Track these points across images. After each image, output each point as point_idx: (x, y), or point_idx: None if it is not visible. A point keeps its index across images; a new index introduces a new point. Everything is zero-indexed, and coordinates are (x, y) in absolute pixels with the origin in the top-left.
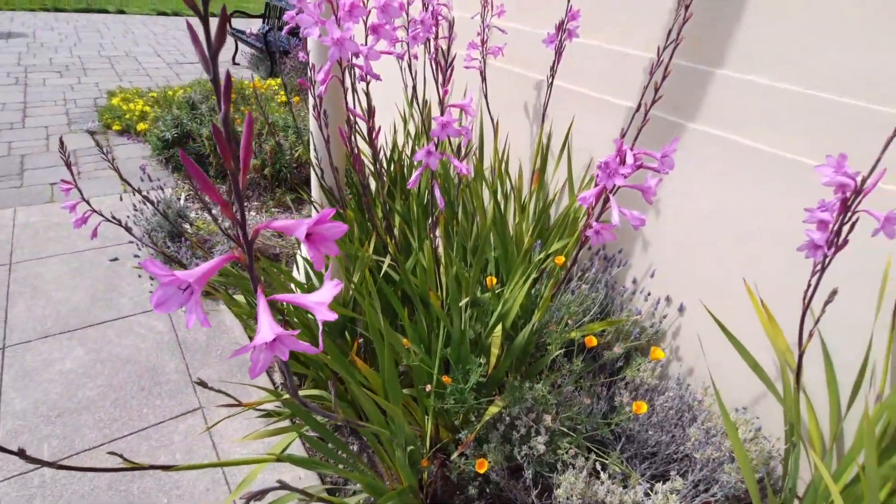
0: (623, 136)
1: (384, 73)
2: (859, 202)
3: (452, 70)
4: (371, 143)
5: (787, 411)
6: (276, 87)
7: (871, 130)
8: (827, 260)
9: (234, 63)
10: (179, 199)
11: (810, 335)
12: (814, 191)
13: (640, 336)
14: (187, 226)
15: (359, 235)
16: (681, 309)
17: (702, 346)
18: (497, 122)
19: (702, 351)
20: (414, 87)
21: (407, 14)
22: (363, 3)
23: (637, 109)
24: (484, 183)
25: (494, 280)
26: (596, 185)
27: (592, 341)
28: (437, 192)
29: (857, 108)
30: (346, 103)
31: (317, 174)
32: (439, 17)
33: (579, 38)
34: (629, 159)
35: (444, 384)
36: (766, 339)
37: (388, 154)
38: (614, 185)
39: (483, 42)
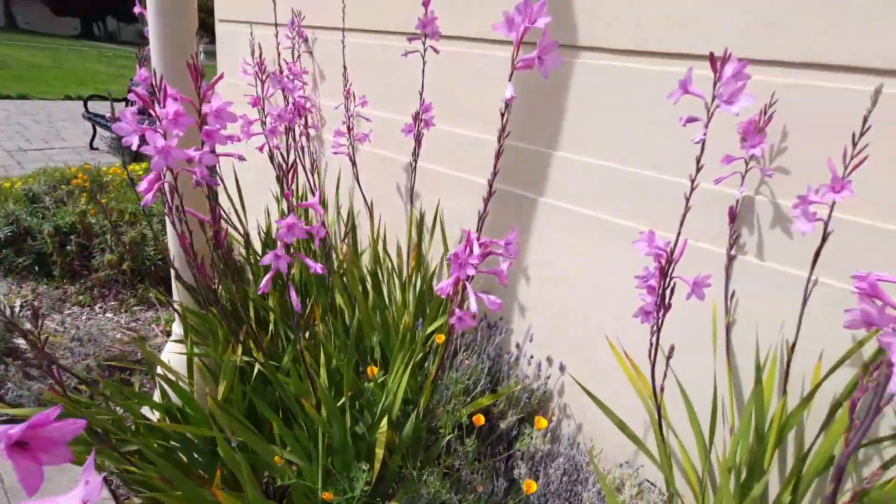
0: (483, 214)
1: (257, 156)
2: (673, 269)
3: (296, 171)
4: (217, 245)
5: (661, 465)
6: (142, 172)
7: (678, 198)
8: (660, 321)
9: (93, 148)
10: (14, 306)
11: (662, 389)
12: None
13: (531, 399)
14: (21, 340)
15: (224, 336)
16: (561, 368)
17: (586, 404)
18: (372, 204)
19: (587, 408)
20: (279, 177)
21: (263, 106)
22: (197, 107)
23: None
24: (363, 266)
25: (376, 369)
26: (450, 275)
27: (481, 420)
28: (294, 296)
29: (661, 181)
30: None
31: (174, 271)
32: (302, 109)
33: (436, 125)
34: (476, 250)
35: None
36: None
37: (263, 240)
38: (467, 275)
39: (349, 129)
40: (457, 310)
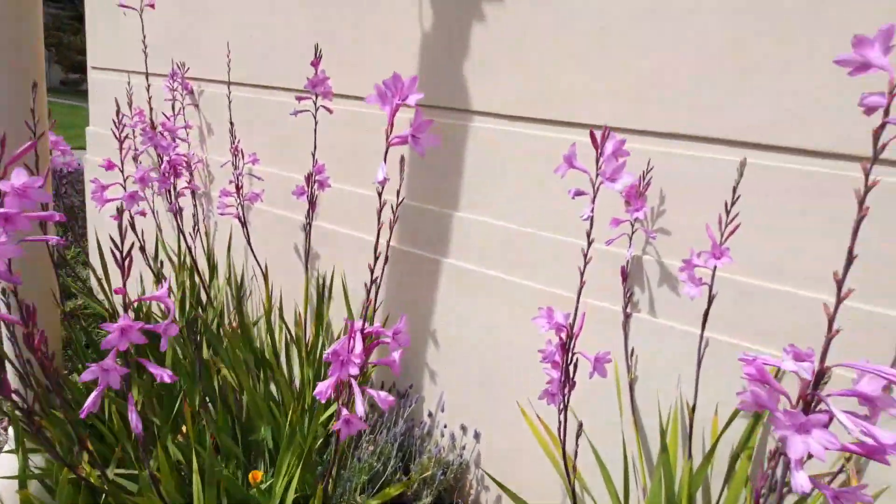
0: (370, 286)
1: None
2: (574, 345)
3: (131, 261)
4: (32, 350)
5: None
6: None
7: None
8: (566, 399)
9: None
10: None
11: (575, 454)
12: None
13: (447, 474)
14: None
15: (66, 447)
16: (476, 436)
17: (505, 471)
18: (266, 268)
19: (505, 477)
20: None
21: (135, 159)
22: None
23: (386, 246)
24: (255, 339)
25: (259, 475)
26: (329, 374)
27: None
28: (133, 417)
29: (560, 241)
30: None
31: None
32: (178, 167)
33: (332, 187)
34: (359, 346)
35: None
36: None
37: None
38: (350, 374)
39: (238, 188)
40: (343, 411)
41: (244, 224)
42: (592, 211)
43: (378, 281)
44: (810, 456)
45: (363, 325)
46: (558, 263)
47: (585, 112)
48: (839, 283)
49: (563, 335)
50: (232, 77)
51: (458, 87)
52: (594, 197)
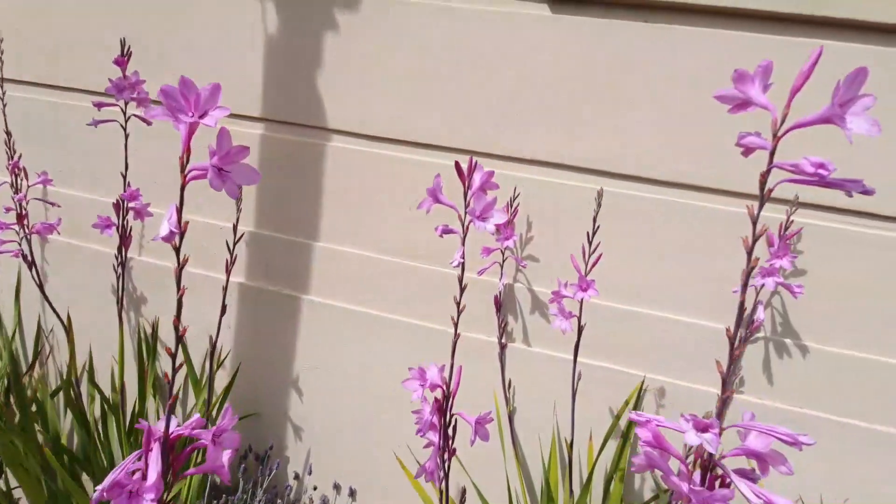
0: (215, 341)
1: None
2: (452, 405)
3: None
4: None
5: None
6: None
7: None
8: (447, 466)
9: None
10: None
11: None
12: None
13: None
14: None
15: None
16: (352, 494)
17: None
18: (69, 320)
19: None
20: None
21: None
22: None
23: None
24: (54, 413)
25: None
26: None
27: None
28: None
29: (432, 272)
30: None
31: None
32: None
33: (153, 215)
34: (153, 474)
35: None
36: None
37: None
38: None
39: (21, 217)
40: None
41: (31, 264)
42: (463, 256)
43: (222, 313)
44: None
45: (166, 429)
46: (433, 296)
47: (448, 134)
48: (731, 339)
49: (440, 394)
50: (13, 74)
51: (314, 100)
52: (464, 237)
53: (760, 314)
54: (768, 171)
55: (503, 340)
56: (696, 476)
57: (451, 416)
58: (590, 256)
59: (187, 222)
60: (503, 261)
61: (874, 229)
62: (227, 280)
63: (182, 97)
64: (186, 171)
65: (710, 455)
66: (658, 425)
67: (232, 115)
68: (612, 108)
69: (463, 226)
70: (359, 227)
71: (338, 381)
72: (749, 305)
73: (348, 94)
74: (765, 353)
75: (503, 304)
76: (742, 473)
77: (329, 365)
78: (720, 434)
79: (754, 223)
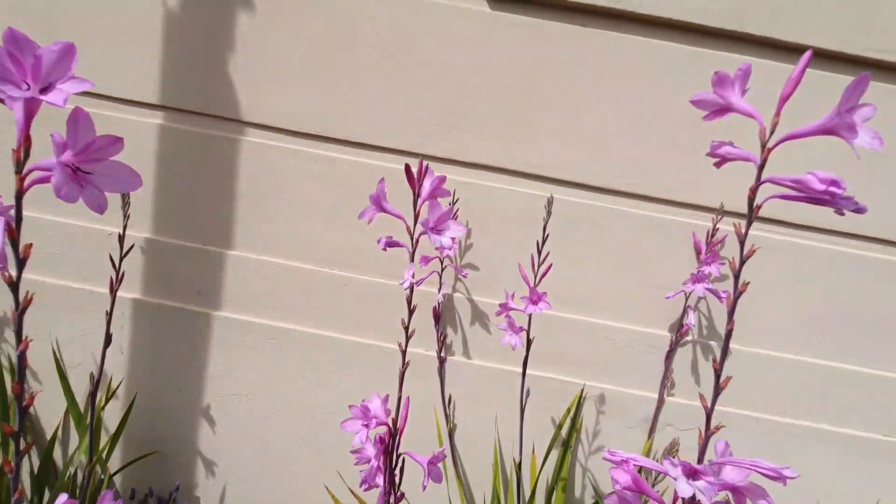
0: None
1: None
2: (399, 444)
3: None
4: None
5: None
6: None
7: (384, 300)
8: None
9: None
10: None
11: None
12: (364, 370)
13: None
14: None
15: None
16: None
17: None
18: None
19: None
20: None
21: None
22: None
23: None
24: None
25: None
26: None
27: None
28: None
29: (364, 282)
30: None
31: None
32: None
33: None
34: None
35: None
36: None
37: None
38: None
39: None
40: None
41: None
42: (414, 277)
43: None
44: None
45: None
46: (367, 309)
47: (384, 133)
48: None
49: (386, 437)
50: None
51: (227, 88)
52: (413, 252)
53: (691, 319)
54: (758, 186)
55: (442, 354)
56: None
57: (399, 455)
58: (539, 266)
59: (29, 245)
60: (442, 270)
61: (790, 237)
62: (113, 296)
63: (11, 60)
64: (25, 172)
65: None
66: (636, 464)
67: (122, 101)
68: (553, 113)
69: (412, 238)
70: (280, 233)
71: (258, 407)
72: (681, 310)
73: (269, 84)
74: (693, 355)
75: (442, 316)
76: None
77: (247, 390)
78: (713, 482)
79: (742, 242)
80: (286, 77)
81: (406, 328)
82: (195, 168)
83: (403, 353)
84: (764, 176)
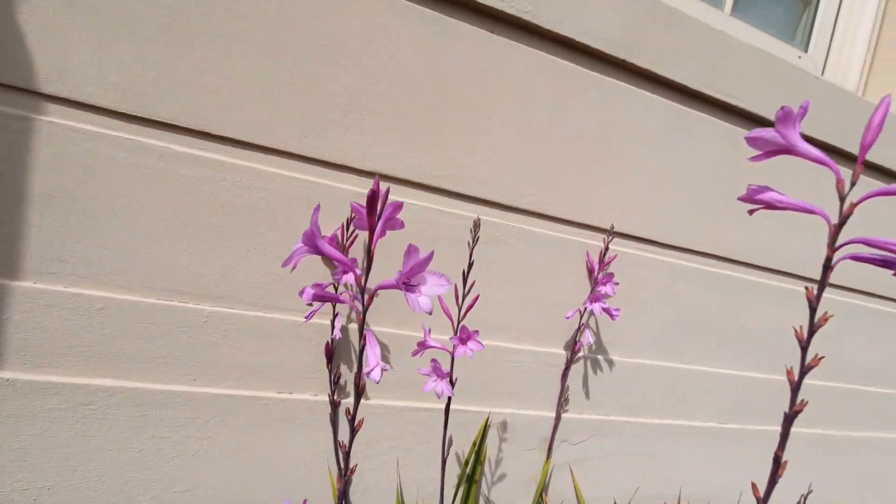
0: None
1: None
2: None
3: None
4: None
5: None
6: None
7: (260, 336)
8: None
9: None
10: None
11: None
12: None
13: None
14: None
15: None
16: None
17: None
18: None
19: None
20: None
21: None
22: None
23: None
24: None
25: None
26: None
27: None
28: None
29: (216, 312)
30: None
31: None
32: None
33: None
34: None
35: None
36: None
37: None
38: None
39: None
40: None
41: None
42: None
43: None
44: None
45: None
46: (233, 350)
47: (261, 128)
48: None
49: None
50: None
51: (17, 43)
52: (363, 312)
53: (588, 338)
54: (837, 246)
55: (336, 397)
56: None
57: None
58: (464, 299)
59: None
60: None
61: (663, 256)
62: None
63: None
64: None
65: None
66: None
67: None
68: (456, 122)
69: (363, 293)
70: (101, 255)
71: (87, 488)
72: (576, 329)
73: (85, 44)
74: (584, 370)
75: (335, 353)
76: None
77: (49, 480)
78: None
79: (813, 309)
80: (115, 36)
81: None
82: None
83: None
84: (841, 238)
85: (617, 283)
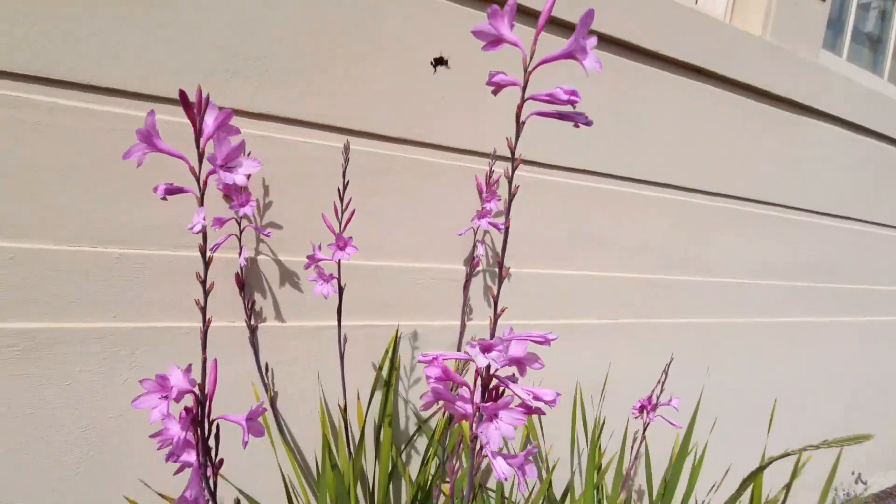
0: None
1: None
2: (210, 409)
3: None
4: None
5: None
6: None
7: (165, 274)
8: (213, 487)
9: None
10: None
11: None
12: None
13: None
14: None
15: None
16: None
17: None
18: None
19: None
20: None
21: None
22: None
23: None
24: None
25: None
26: None
27: None
28: None
29: (124, 256)
30: None
31: None
32: None
33: None
34: None
35: None
36: None
37: None
38: None
39: None
40: None
41: None
42: (205, 219)
43: None
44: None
45: None
46: (149, 288)
47: (145, 75)
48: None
49: (192, 401)
50: None
51: None
52: (202, 195)
53: (479, 251)
54: (523, 103)
55: (252, 322)
56: (477, 394)
57: (212, 422)
58: (342, 214)
59: None
60: (241, 232)
61: (554, 177)
62: None
63: None
64: None
65: (489, 371)
66: (445, 359)
67: None
68: (346, 61)
69: (198, 181)
70: (10, 208)
71: (9, 440)
72: (472, 245)
73: None
74: (483, 282)
75: (247, 283)
76: (511, 379)
77: (23, 395)
78: (502, 350)
79: (513, 152)
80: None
81: (203, 282)
82: None
83: (203, 309)
84: (526, 95)
85: (499, 199)
